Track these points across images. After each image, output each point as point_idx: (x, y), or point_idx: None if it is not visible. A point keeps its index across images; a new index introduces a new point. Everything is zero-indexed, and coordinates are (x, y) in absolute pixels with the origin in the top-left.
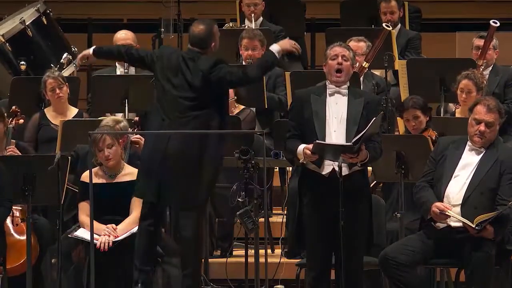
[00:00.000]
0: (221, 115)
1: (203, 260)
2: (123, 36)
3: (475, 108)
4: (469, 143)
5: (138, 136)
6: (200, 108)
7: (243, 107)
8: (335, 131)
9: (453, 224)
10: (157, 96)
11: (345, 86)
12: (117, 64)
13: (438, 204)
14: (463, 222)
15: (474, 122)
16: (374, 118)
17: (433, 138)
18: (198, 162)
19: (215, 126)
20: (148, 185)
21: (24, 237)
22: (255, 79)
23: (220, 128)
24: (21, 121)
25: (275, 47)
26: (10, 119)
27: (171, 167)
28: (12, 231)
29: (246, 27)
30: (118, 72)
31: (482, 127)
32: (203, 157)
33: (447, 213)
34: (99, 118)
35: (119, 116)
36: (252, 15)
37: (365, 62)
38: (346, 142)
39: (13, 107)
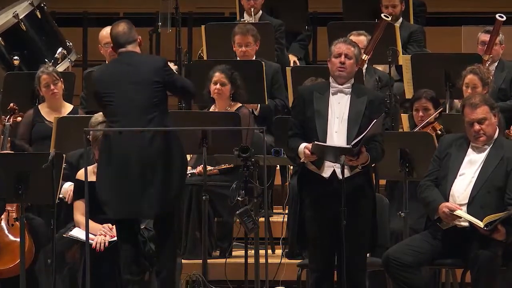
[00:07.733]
0: (167, 113)
1: (201, 261)
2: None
3: (463, 111)
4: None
5: None
6: (155, 107)
7: (239, 105)
8: (337, 132)
9: (459, 224)
10: (109, 114)
11: (348, 84)
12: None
13: (448, 204)
14: (472, 222)
15: (468, 125)
16: (375, 120)
17: (438, 131)
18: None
19: (170, 125)
20: (119, 200)
21: (18, 238)
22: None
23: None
24: (19, 118)
25: None
26: (8, 116)
27: (144, 173)
28: (7, 232)
29: (245, 21)
30: None
31: (476, 127)
32: (174, 155)
33: (456, 213)
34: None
35: None
36: (252, 9)
37: (364, 55)
38: (348, 143)
39: (11, 104)
